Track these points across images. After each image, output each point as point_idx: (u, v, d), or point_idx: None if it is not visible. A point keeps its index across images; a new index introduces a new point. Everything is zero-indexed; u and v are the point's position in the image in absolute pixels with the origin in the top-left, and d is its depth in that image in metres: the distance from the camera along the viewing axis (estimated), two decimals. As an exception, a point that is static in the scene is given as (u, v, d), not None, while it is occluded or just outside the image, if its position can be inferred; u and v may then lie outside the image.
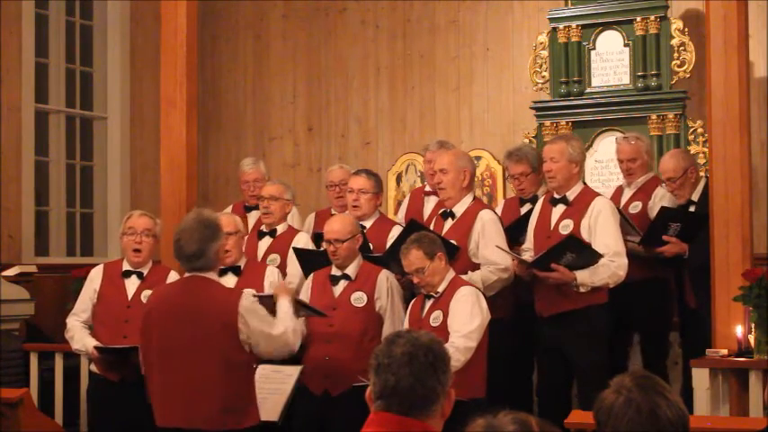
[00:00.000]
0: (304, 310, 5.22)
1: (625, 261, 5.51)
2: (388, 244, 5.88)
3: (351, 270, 5.51)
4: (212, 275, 4.47)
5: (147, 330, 4.48)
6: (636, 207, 6.36)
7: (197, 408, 4.30)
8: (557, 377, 5.70)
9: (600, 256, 5.44)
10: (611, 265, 5.46)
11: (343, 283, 5.49)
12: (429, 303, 5.16)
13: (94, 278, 5.82)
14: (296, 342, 4.65)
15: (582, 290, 5.47)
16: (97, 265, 5.99)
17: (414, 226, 5.73)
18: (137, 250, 5.68)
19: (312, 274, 5.68)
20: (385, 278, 5.50)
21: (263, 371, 5.09)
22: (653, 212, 6.29)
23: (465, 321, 4.97)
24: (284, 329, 4.53)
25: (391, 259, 5.65)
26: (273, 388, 5.02)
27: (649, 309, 6.19)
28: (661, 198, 6.32)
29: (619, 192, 6.51)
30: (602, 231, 5.52)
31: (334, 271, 5.53)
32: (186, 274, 4.51)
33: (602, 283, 5.47)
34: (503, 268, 5.61)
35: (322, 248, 5.70)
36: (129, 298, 5.65)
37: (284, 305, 4.82)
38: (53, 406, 7.01)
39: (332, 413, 5.30)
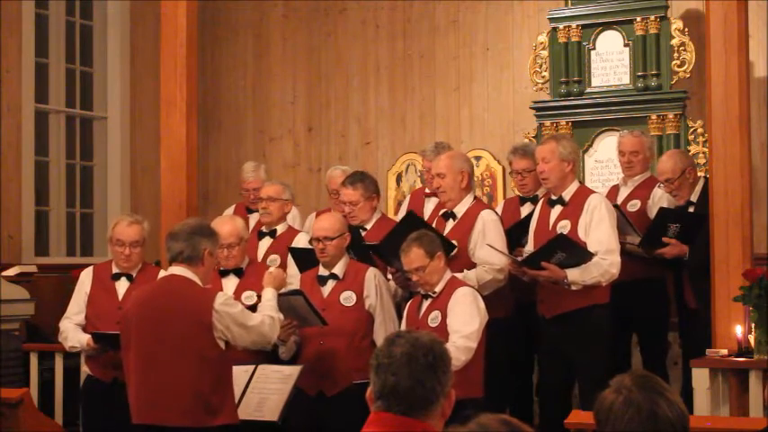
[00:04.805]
0: (309, 314, 5.23)
1: (618, 259, 5.49)
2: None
3: (338, 269, 5.49)
4: (193, 275, 4.49)
5: (125, 332, 4.54)
6: (634, 206, 6.35)
7: (171, 404, 4.35)
8: (557, 377, 5.69)
9: (591, 254, 5.44)
10: (603, 263, 5.44)
11: (331, 283, 5.47)
12: (426, 304, 5.15)
13: (85, 281, 5.85)
14: (272, 333, 4.71)
15: (574, 288, 5.46)
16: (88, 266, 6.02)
17: (411, 218, 5.74)
18: (126, 260, 5.73)
19: (300, 276, 5.68)
20: (372, 276, 5.49)
21: (263, 371, 5.10)
22: (652, 212, 6.27)
23: (465, 322, 4.98)
24: (260, 320, 4.60)
25: (387, 250, 5.64)
26: (274, 388, 5.02)
27: (645, 309, 6.19)
28: (660, 198, 6.31)
29: (615, 190, 6.49)
30: (596, 228, 5.51)
31: (322, 271, 5.51)
32: (166, 273, 4.54)
33: (594, 281, 5.45)
34: (498, 268, 5.61)
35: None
36: (120, 299, 5.66)
37: (268, 294, 4.94)
38: (53, 406, 7.01)
39: (327, 414, 5.30)
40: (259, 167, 7.49)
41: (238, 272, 5.60)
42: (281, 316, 4.94)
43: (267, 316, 4.69)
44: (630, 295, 5.81)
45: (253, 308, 4.95)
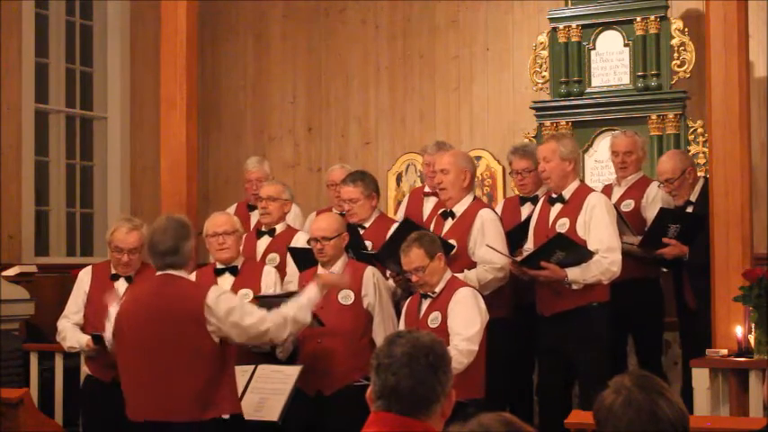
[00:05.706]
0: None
1: (619, 257, 5.49)
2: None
3: (336, 268, 5.48)
4: (184, 273, 4.49)
5: (118, 330, 4.53)
6: (628, 205, 6.35)
7: (168, 399, 4.33)
8: (557, 377, 5.69)
9: (591, 253, 5.44)
10: (604, 261, 5.44)
11: None
12: (426, 304, 5.15)
13: (84, 280, 5.85)
14: (277, 334, 4.55)
15: (574, 287, 5.46)
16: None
17: (408, 225, 5.73)
18: (124, 266, 5.72)
19: (298, 276, 5.67)
20: (371, 275, 5.49)
21: (262, 371, 5.10)
22: (646, 212, 6.28)
23: (467, 324, 4.97)
24: (258, 319, 4.46)
25: (386, 257, 5.64)
26: (274, 388, 5.02)
27: (640, 308, 6.19)
28: (654, 197, 6.32)
29: (608, 190, 6.47)
30: (596, 226, 5.51)
31: (320, 270, 5.51)
32: (157, 273, 4.53)
33: (595, 279, 5.45)
34: (498, 267, 5.61)
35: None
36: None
37: (309, 293, 4.75)
38: (53, 406, 7.01)
39: (325, 413, 5.30)
40: (263, 161, 7.50)
41: (233, 270, 5.60)
42: (305, 317, 4.74)
43: (276, 314, 4.56)
44: (625, 295, 5.80)
45: None
